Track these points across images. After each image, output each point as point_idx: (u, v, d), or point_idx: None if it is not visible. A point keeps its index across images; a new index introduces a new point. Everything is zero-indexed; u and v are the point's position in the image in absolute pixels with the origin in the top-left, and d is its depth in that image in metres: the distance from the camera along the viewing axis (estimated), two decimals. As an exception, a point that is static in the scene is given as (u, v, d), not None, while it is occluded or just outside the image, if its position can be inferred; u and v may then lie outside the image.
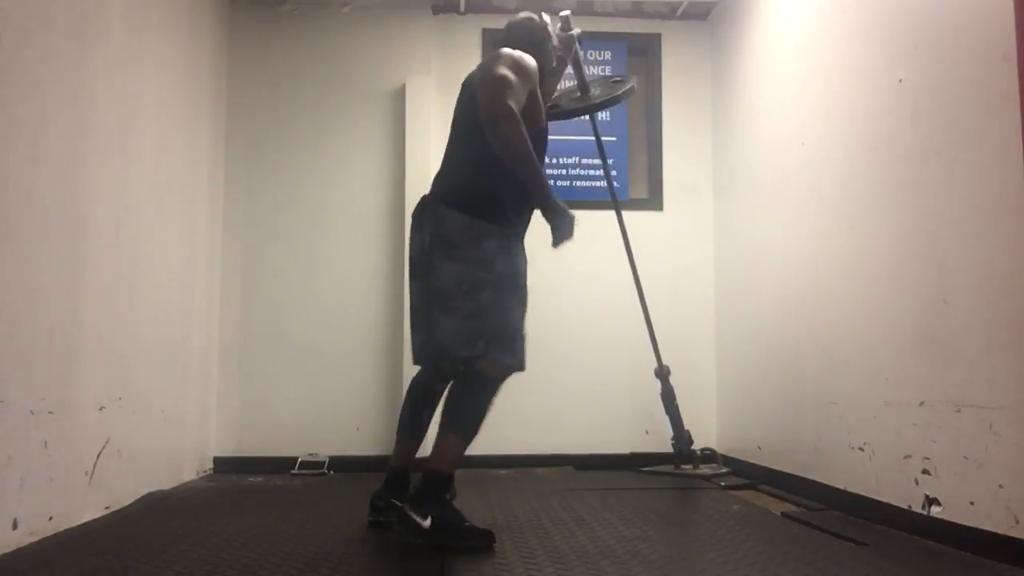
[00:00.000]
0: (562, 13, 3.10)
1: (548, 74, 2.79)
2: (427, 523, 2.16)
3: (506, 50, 2.41)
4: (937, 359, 2.31)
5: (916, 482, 2.38)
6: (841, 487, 2.82)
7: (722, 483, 3.48)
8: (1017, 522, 1.99)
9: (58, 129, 2.36)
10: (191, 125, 3.59)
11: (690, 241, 4.27)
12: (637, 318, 3.76)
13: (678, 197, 4.30)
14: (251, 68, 4.15)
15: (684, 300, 4.19)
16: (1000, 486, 2.05)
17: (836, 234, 2.90)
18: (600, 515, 2.70)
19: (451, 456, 2.28)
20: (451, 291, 2.33)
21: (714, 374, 4.19)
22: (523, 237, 2.53)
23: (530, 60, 2.40)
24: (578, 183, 4.28)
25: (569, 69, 3.16)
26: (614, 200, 3.76)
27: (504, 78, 2.27)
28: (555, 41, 2.77)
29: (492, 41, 3.97)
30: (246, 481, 3.59)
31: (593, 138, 3.68)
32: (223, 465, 3.87)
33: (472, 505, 2.80)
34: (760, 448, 3.59)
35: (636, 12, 4.36)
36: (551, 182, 3.26)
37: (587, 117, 3.50)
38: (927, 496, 2.34)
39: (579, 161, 4.30)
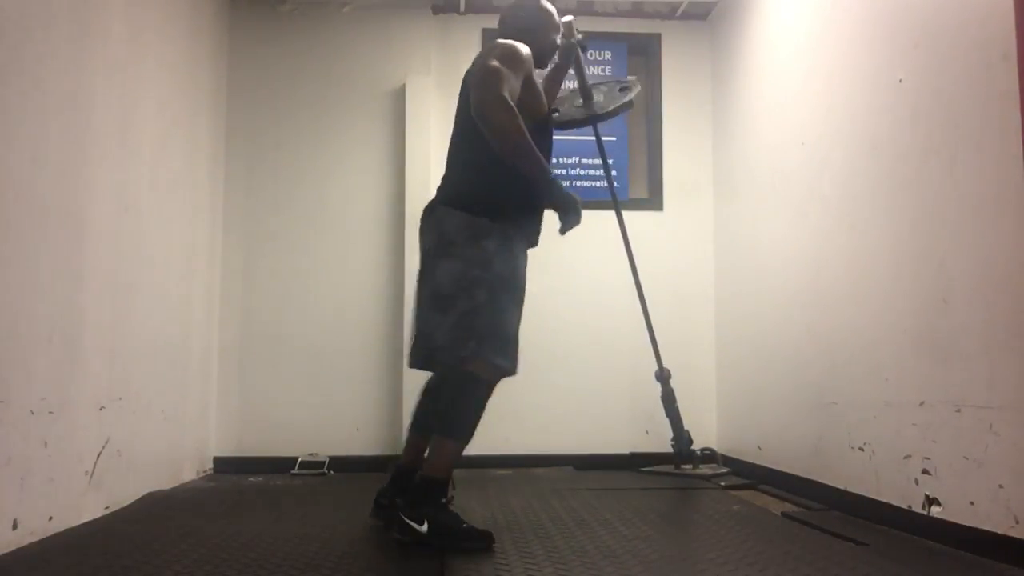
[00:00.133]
0: (564, 19, 3.05)
1: (549, 62, 2.72)
2: (424, 528, 2.16)
3: (498, 41, 2.38)
4: (937, 359, 2.30)
5: (916, 482, 2.38)
6: (841, 487, 2.82)
7: (722, 483, 3.48)
8: (1017, 522, 1.99)
9: (58, 129, 2.36)
10: (191, 124, 3.59)
11: (690, 241, 4.27)
12: (637, 318, 3.75)
13: (678, 197, 4.30)
14: (251, 67, 4.15)
15: (684, 300, 4.19)
16: (1000, 486, 2.05)
17: (836, 234, 2.90)
18: (600, 515, 2.70)
19: (446, 461, 2.26)
20: (446, 289, 2.30)
21: (714, 373, 4.19)
22: (533, 240, 2.48)
23: (522, 47, 2.35)
24: (578, 183, 4.28)
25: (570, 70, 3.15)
26: (614, 200, 3.76)
27: (495, 69, 2.23)
28: (555, 18, 2.67)
29: (491, 40, 3.96)
30: (246, 481, 3.58)
31: (593, 138, 3.67)
32: (223, 465, 3.87)
33: (472, 505, 2.80)
34: (760, 448, 3.59)
35: (636, 12, 4.36)
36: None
37: (587, 117, 3.50)
38: (927, 496, 2.34)
39: (579, 161, 4.30)
